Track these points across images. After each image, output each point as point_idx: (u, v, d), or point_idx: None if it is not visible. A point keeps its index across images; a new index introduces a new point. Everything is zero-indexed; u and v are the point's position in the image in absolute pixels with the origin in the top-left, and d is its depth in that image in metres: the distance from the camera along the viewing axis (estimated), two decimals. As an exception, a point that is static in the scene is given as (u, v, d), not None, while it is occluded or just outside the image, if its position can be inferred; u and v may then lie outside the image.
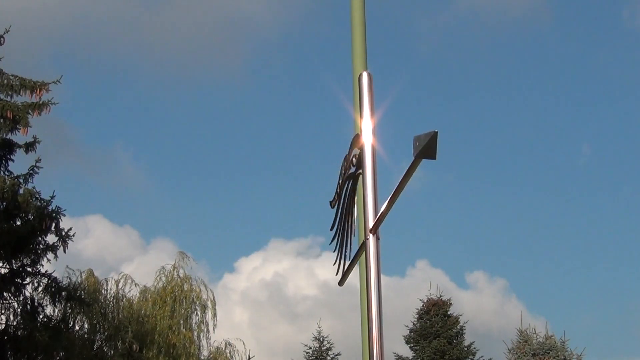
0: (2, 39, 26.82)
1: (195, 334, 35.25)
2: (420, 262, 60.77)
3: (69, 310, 31.28)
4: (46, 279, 27.38)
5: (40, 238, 26.76)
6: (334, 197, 5.45)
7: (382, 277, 4.79)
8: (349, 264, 5.36)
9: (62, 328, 28.74)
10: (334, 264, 5.39)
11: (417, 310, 35.49)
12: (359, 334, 7.15)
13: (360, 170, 5.04)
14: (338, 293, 51.67)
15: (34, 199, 26.44)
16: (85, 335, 32.93)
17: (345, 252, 5.37)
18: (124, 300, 34.70)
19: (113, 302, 34.35)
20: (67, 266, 33.16)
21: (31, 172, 26.83)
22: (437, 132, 4.35)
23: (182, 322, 34.86)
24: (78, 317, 32.66)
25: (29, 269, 27.05)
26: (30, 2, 54.44)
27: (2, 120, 26.48)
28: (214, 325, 35.77)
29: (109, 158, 62.39)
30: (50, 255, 26.93)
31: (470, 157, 64.90)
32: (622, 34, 69.15)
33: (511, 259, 62.54)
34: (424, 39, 70.78)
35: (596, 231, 63.66)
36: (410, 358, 34.85)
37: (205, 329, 35.56)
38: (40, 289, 27.39)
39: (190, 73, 69.04)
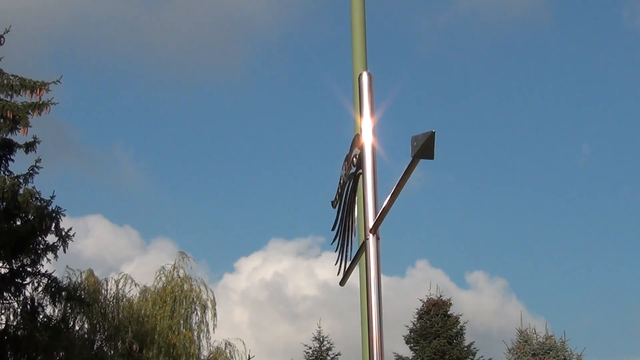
0: (2, 39, 26.82)
1: (195, 334, 35.25)
2: (420, 262, 60.82)
3: (69, 310, 31.28)
4: (46, 279, 27.39)
5: (40, 238, 26.76)
6: (336, 197, 5.45)
7: (382, 277, 4.79)
8: (350, 264, 5.37)
9: (62, 328, 28.74)
10: (336, 264, 5.40)
11: (417, 310, 35.50)
12: (359, 334, 7.15)
13: (361, 170, 5.04)
14: (338, 293, 51.68)
15: (34, 199, 26.44)
16: (85, 335, 32.93)
17: (347, 252, 5.38)
18: (124, 300, 34.69)
19: (113, 302, 34.35)
20: (67, 266, 33.21)
21: (31, 172, 26.84)
22: (434, 132, 4.35)
23: (182, 322, 34.86)
24: (78, 317, 32.66)
25: (29, 269, 27.06)
26: (30, 2, 54.49)
27: (2, 120, 26.49)
28: (214, 325, 35.81)
29: (109, 158, 62.45)
30: (50, 255, 26.94)
31: (470, 157, 64.97)
32: (622, 34, 69.21)
33: (511, 259, 62.59)
34: (424, 39, 70.82)
35: (596, 231, 63.72)
36: (410, 358, 34.85)
37: (205, 329, 35.57)
38: (40, 289, 27.40)
39: (190, 73, 69.10)
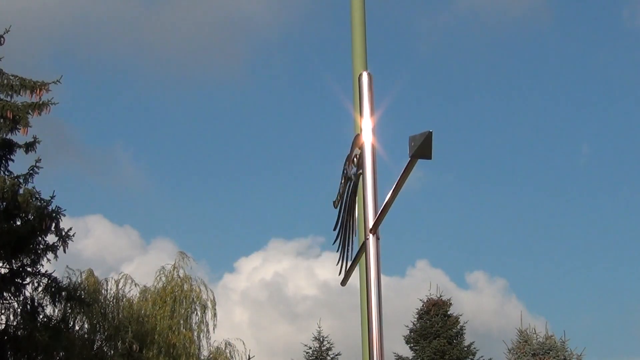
0: (2, 39, 26.82)
1: (195, 334, 35.24)
2: (420, 262, 60.81)
3: (69, 310, 31.27)
4: (46, 279, 27.38)
5: (40, 238, 26.76)
6: (337, 197, 5.45)
7: (382, 277, 4.80)
8: (351, 264, 5.37)
9: (62, 328, 28.74)
10: (337, 264, 5.40)
11: (417, 310, 35.50)
12: (359, 334, 7.15)
13: (361, 170, 5.04)
14: (338, 293, 51.64)
15: (34, 199, 26.43)
16: (85, 335, 32.92)
17: (348, 252, 5.38)
18: (124, 300, 34.69)
19: (113, 302, 34.34)
20: (67, 266, 33.20)
21: (31, 172, 26.83)
22: (431, 132, 4.34)
23: (182, 322, 34.85)
24: (78, 317, 32.65)
25: (29, 269, 27.05)
26: (30, 2, 54.49)
27: (2, 120, 26.48)
28: (214, 325, 35.80)
29: (109, 158, 62.44)
30: (50, 255, 26.93)
31: (470, 157, 64.95)
32: (622, 34, 69.19)
33: (511, 259, 62.60)
34: (424, 39, 70.81)
35: (596, 231, 63.70)
36: (410, 358, 34.85)
37: (205, 329, 35.56)
38: (40, 289, 27.39)
39: (190, 73, 69.09)
